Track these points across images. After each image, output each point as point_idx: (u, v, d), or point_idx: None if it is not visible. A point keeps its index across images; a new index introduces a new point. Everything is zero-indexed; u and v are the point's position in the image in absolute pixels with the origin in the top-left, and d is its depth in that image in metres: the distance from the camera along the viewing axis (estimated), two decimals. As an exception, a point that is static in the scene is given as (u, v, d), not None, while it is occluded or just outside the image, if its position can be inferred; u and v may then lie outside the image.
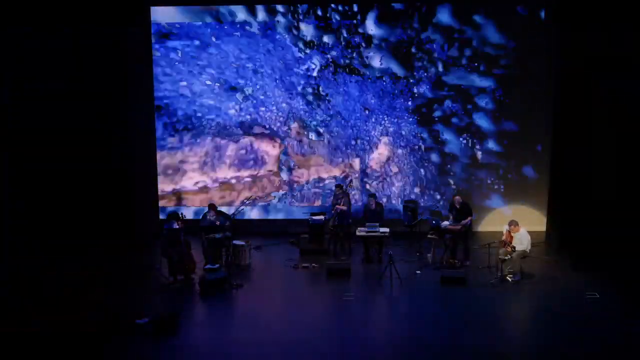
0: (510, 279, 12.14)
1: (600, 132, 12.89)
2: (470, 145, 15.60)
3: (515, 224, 12.32)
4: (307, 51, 15.46)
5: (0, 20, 13.39)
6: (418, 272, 12.86)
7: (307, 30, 15.42)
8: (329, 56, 15.48)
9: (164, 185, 15.96)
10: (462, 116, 15.52)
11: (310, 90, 15.63)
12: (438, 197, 15.78)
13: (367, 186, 15.77)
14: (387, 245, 13.94)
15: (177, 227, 12.56)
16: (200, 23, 15.53)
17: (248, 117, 15.75)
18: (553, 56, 14.49)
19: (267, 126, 15.75)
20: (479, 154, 15.63)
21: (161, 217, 15.48)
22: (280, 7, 15.33)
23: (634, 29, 12.34)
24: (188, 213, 15.24)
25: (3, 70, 13.81)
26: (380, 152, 15.76)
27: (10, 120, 13.40)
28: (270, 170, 15.89)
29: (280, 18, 15.39)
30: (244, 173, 15.92)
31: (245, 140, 15.81)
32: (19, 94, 13.58)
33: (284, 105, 15.69)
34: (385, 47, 15.42)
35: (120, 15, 15.05)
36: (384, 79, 15.49)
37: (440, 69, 15.40)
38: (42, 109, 13.99)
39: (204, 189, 15.95)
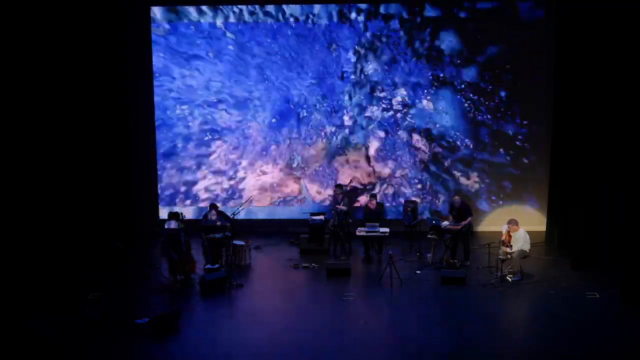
0: (510, 279, 12.14)
1: (601, 132, 12.86)
2: (469, 144, 15.65)
3: (515, 223, 12.33)
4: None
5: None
6: (418, 272, 12.86)
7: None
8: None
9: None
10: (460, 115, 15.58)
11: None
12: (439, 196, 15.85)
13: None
14: (387, 245, 13.96)
15: (177, 227, 12.57)
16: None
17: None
18: (552, 55, 14.53)
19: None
20: (478, 154, 15.66)
21: (161, 217, 15.49)
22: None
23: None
24: (188, 213, 15.31)
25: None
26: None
27: (6, 118, 13.39)
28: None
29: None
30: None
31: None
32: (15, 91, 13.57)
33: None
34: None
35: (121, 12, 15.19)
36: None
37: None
38: (40, 108, 13.97)
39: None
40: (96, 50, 14.78)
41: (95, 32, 14.73)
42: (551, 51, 14.67)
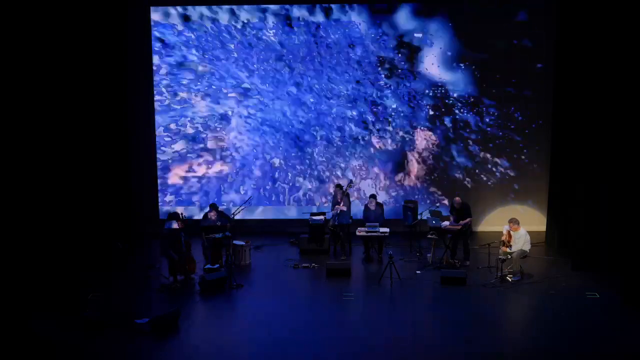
0: (510, 279, 12.14)
1: (601, 131, 12.85)
2: (469, 144, 15.64)
3: (516, 222, 12.33)
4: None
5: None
6: (418, 272, 12.86)
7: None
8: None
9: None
10: (460, 115, 15.58)
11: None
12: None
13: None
14: (387, 245, 13.96)
15: (177, 227, 12.56)
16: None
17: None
18: (552, 55, 14.54)
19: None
20: (478, 154, 15.66)
21: (161, 217, 15.49)
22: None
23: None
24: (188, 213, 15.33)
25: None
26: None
27: (6, 119, 13.37)
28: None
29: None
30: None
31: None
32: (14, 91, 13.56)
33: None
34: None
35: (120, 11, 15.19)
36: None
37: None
38: (40, 108, 13.96)
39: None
40: (96, 50, 14.76)
41: (95, 32, 14.72)
42: (551, 51, 14.67)
